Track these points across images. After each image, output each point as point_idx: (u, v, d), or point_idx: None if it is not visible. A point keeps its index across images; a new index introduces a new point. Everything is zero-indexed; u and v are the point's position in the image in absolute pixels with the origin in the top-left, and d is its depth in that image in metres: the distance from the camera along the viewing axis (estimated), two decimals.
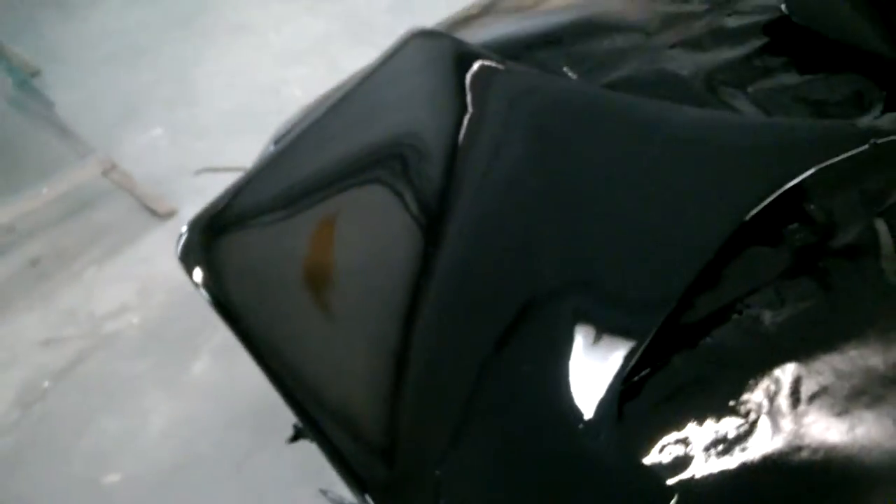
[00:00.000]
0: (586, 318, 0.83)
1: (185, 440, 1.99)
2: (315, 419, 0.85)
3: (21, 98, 2.41)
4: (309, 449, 1.82)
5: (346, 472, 0.80)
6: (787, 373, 0.78)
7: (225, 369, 2.12)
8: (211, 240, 1.05)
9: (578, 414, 0.75)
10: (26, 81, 2.49)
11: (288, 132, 1.20)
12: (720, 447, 0.74)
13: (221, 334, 2.18)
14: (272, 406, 1.88)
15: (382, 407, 0.85)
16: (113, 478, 1.90)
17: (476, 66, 1.08)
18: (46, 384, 2.13)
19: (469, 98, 1.05)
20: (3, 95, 2.41)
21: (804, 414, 0.76)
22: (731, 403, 0.77)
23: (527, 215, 0.94)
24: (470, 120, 1.03)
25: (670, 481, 0.71)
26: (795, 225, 0.92)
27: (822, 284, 0.86)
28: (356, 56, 1.44)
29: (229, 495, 1.85)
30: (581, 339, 0.80)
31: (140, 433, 2.00)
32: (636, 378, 0.79)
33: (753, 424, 0.75)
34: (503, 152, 1.00)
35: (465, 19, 1.31)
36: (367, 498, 0.78)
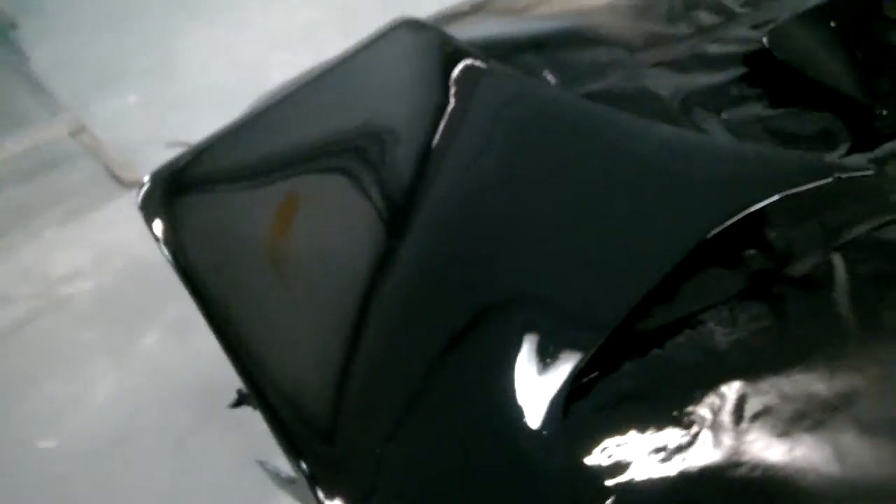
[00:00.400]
0: (538, 320, 0.84)
1: (127, 413, 1.95)
2: (260, 385, 0.84)
3: None
4: (250, 431, 1.81)
5: (285, 441, 0.80)
6: (732, 390, 0.80)
7: (175, 345, 2.09)
8: (172, 193, 1.04)
9: (523, 412, 0.76)
10: (2, 33, 2.44)
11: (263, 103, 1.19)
12: (661, 455, 0.75)
13: (174, 310, 2.16)
14: (218, 386, 1.86)
15: (330, 384, 0.84)
16: (48, 443, 1.86)
17: (458, 61, 1.08)
18: None
19: (447, 94, 1.06)
20: None
21: (746, 431, 0.77)
22: (675, 413, 0.78)
23: (490, 217, 0.95)
24: (445, 115, 1.04)
25: (609, 482, 0.72)
26: (754, 251, 0.94)
27: (774, 309, 0.88)
28: (343, 46, 1.44)
29: (166, 473, 1.82)
30: (531, 340, 0.81)
31: (82, 401, 1.96)
32: (584, 380, 0.80)
33: (695, 436, 0.76)
34: (473, 153, 1.00)
35: (456, 15, 1.32)
36: (303, 466, 0.77)
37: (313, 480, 0.76)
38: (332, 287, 0.92)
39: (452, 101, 1.05)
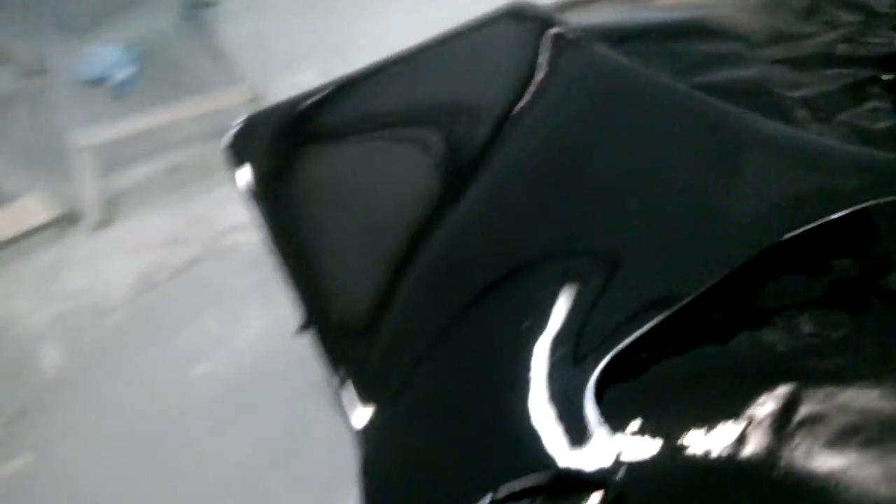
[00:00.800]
0: (594, 285, 0.86)
1: (271, 353, 2.14)
2: (311, 303, 0.95)
3: (187, 18, 2.65)
4: None
5: (326, 351, 0.88)
6: (784, 392, 0.78)
7: None
8: (259, 135, 1.16)
9: (559, 367, 0.79)
10: (196, 8, 2.73)
11: None
12: (688, 442, 0.76)
13: None
14: None
15: (373, 306, 0.94)
16: (201, 370, 2.10)
17: (560, 43, 1.12)
18: (163, 276, 2.37)
19: (544, 70, 1.10)
20: (173, 13, 2.67)
21: (789, 435, 0.76)
22: (717, 405, 0.78)
23: (575, 180, 0.99)
24: (539, 89, 1.08)
25: (626, 457, 0.74)
26: (847, 259, 0.91)
27: (853, 319, 0.85)
28: None
29: (297, 412, 1.98)
30: (584, 302, 0.84)
31: (232, 338, 2.18)
32: (632, 360, 0.81)
33: (732, 430, 0.76)
34: (564, 123, 1.05)
35: (578, 2, 1.34)
36: (340, 372, 0.85)
37: (343, 385, 0.84)
38: (393, 225, 1.01)
39: (549, 76, 1.10)
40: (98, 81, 2.52)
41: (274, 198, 1.08)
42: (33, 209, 2.43)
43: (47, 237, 2.48)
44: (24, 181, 2.48)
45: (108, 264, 2.41)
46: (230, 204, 2.60)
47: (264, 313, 2.23)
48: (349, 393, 0.85)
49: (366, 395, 0.84)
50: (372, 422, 0.82)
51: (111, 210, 2.58)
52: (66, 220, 2.51)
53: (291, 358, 2.07)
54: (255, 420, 1.97)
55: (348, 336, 0.92)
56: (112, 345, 2.19)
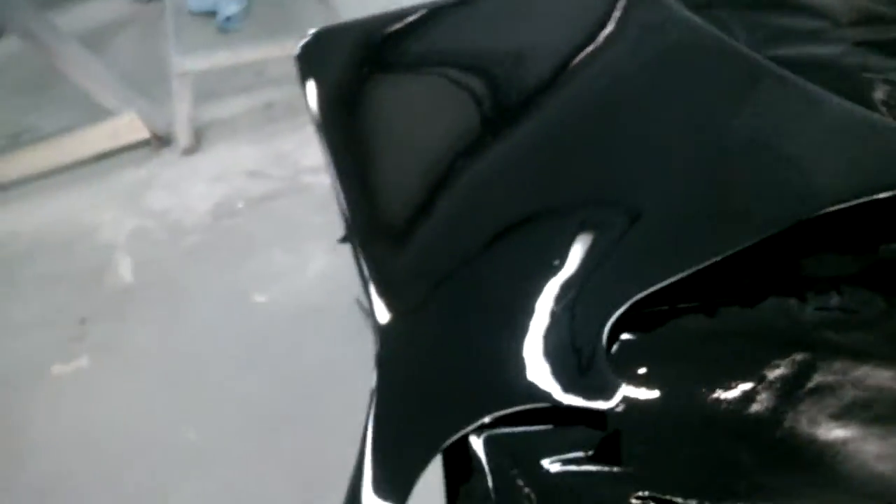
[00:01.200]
0: (618, 232, 0.87)
1: (330, 291, 2.21)
2: (350, 211, 0.99)
3: None
4: None
5: (358, 257, 0.92)
6: (800, 359, 0.77)
7: None
8: (328, 50, 1.19)
9: (573, 312, 0.80)
10: None
11: None
12: (694, 392, 0.75)
13: None
14: None
15: (408, 221, 0.97)
16: (261, 298, 2.19)
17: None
18: (240, 205, 2.47)
19: (616, 25, 1.10)
20: None
21: (797, 401, 0.74)
22: (730, 363, 0.78)
23: (617, 130, 0.99)
24: (604, 43, 1.08)
25: (627, 398, 0.74)
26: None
27: (886, 300, 0.82)
28: None
29: (349, 346, 2.04)
30: (606, 249, 0.84)
31: (295, 271, 2.27)
32: (651, 311, 0.81)
33: (740, 388, 0.75)
34: (621, 80, 1.04)
35: None
36: (366, 275, 0.89)
37: (369, 287, 0.88)
38: (437, 150, 1.03)
39: (620, 27, 1.10)
40: (207, 14, 2.62)
41: (329, 111, 1.12)
42: (129, 128, 2.57)
43: (139, 156, 2.64)
44: (124, 101, 2.62)
45: (191, 188, 2.54)
46: (313, 146, 2.67)
47: (326, 253, 2.31)
48: (374, 295, 0.88)
49: (387, 300, 0.87)
50: (389, 324, 0.85)
51: (202, 137, 2.71)
52: (159, 142, 2.65)
53: (341, 301, 2.13)
54: (304, 351, 2.05)
55: (380, 245, 0.95)
56: (181, 265, 2.31)
